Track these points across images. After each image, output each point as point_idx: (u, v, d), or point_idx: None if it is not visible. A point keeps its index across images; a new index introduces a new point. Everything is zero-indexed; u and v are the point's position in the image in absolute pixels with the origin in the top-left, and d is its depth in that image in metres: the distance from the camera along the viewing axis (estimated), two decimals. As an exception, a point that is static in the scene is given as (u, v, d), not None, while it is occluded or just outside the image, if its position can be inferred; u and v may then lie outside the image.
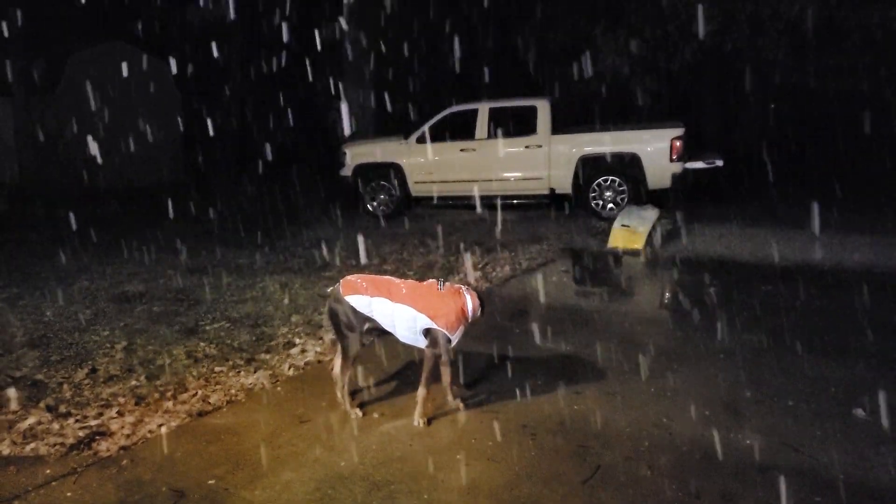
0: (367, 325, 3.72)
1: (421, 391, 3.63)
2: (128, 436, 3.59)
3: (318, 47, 15.12)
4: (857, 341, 4.66)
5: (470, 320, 3.65)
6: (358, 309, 3.63)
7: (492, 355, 4.64)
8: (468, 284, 3.79)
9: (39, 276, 7.35)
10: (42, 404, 4.00)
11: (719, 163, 9.71)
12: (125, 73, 15.60)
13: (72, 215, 9.71)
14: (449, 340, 3.59)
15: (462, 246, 8.35)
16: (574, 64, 14.18)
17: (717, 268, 6.97)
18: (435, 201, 11.09)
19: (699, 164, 9.69)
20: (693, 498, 2.86)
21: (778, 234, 8.34)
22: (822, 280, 6.41)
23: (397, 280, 3.74)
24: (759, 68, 14.36)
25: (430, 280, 3.71)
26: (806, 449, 3.22)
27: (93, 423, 3.74)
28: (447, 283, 3.65)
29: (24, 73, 14.79)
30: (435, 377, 3.71)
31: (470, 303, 3.61)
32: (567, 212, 10.41)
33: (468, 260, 7.49)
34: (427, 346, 3.62)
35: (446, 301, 3.55)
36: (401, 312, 3.57)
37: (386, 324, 3.66)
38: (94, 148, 14.26)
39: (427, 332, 3.59)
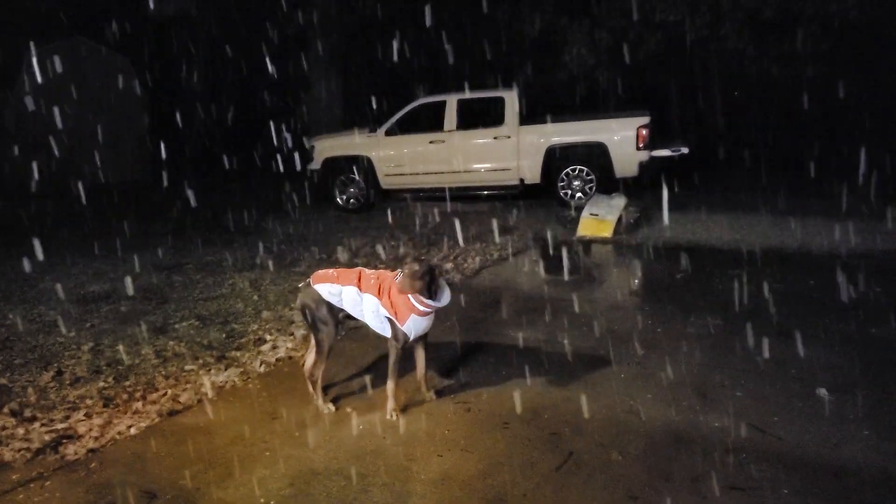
0: (341, 315, 3.70)
1: (389, 384, 3.63)
2: (96, 438, 3.53)
3: (285, 40, 14.95)
4: (820, 323, 4.76)
5: (423, 304, 3.45)
6: (329, 300, 3.62)
7: (464, 346, 4.67)
8: (418, 263, 3.45)
9: (1, 277, 7.17)
10: (6, 409, 3.92)
11: (685, 150, 9.86)
12: (87, 69, 15.25)
13: (34, 214, 9.49)
14: (405, 333, 3.54)
15: (432, 238, 8.36)
16: (541, 55, 14.25)
17: (684, 254, 7.07)
18: (405, 194, 11.07)
19: (665, 152, 9.82)
20: (663, 481, 2.91)
21: (743, 220, 8.49)
22: (786, 264, 6.55)
23: (368, 271, 3.73)
24: (722, 57, 14.56)
25: (397, 270, 3.70)
26: (772, 430, 3.29)
27: (59, 426, 3.68)
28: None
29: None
30: (401, 369, 3.68)
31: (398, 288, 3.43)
32: (536, 202, 10.47)
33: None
34: (390, 337, 3.61)
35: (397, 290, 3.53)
36: (367, 302, 3.58)
37: (356, 313, 3.65)
38: (55, 145, 13.91)
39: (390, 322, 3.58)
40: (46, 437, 3.53)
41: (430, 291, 3.49)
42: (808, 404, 3.54)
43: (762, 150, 14.04)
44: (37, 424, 3.70)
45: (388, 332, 3.62)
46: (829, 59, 14.03)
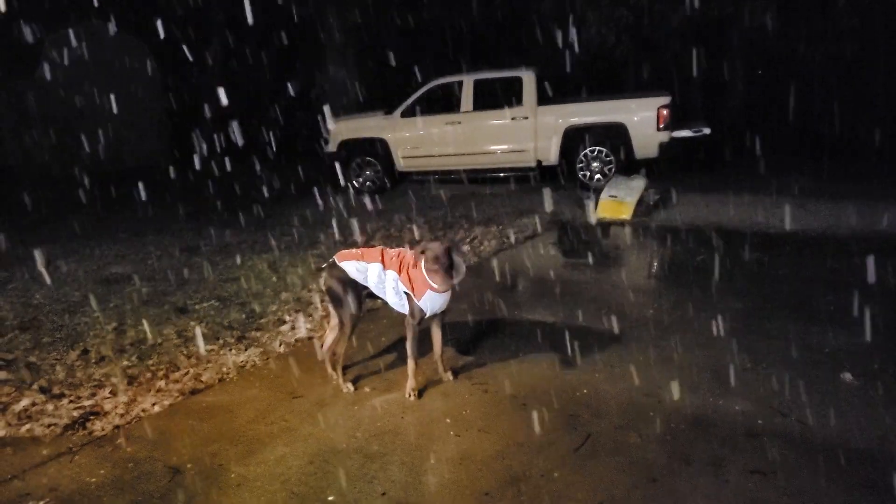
0: (364, 293, 3.73)
1: (410, 364, 3.67)
2: (122, 415, 3.61)
3: (299, 22, 14.90)
4: (844, 307, 4.69)
5: (438, 283, 3.46)
6: (356, 277, 3.65)
7: (481, 327, 4.69)
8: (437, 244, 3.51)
9: (27, 259, 7.30)
10: (36, 386, 4.01)
11: (706, 131, 9.72)
12: (105, 52, 15.34)
13: (56, 197, 9.61)
14: (422, 309, 3.57)
15: (449, 220, 8.36)
16: (559, 34, 14.09)
17: (704, 236, 7.02)
18: (421, 176, 11.05)
19: (686, 133, 9.70)
20: (683, 464, 2.91)
21: (765, 202, 8.37)
22: (809, 247, 6.47)
23: (390, 249, 3.77)
24: (746, 34, 14.29)
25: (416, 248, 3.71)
26: (794, 414, 3.27)
27: (86, 403, 3.77)
28: None
29: (1, 54, 14.53)
30: (420, 350, 3.71)
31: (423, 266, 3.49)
32: (554, 183, 10.41)
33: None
34: (407, 314, 3.64)
35: (417, 267, 3.56)
36: (389, 278, 3.61)
37: (379, 291, 3.68)
38: (75, 129, 14.06)
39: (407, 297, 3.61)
40: (74, 414, 3.63)
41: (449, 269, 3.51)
42: (832, 389, 3.51)
43: (787, 131, 13.81)
44: (65, 401, 3.79)
45: (405, 309, 3.65)
46: (860, 37, 13.70)
